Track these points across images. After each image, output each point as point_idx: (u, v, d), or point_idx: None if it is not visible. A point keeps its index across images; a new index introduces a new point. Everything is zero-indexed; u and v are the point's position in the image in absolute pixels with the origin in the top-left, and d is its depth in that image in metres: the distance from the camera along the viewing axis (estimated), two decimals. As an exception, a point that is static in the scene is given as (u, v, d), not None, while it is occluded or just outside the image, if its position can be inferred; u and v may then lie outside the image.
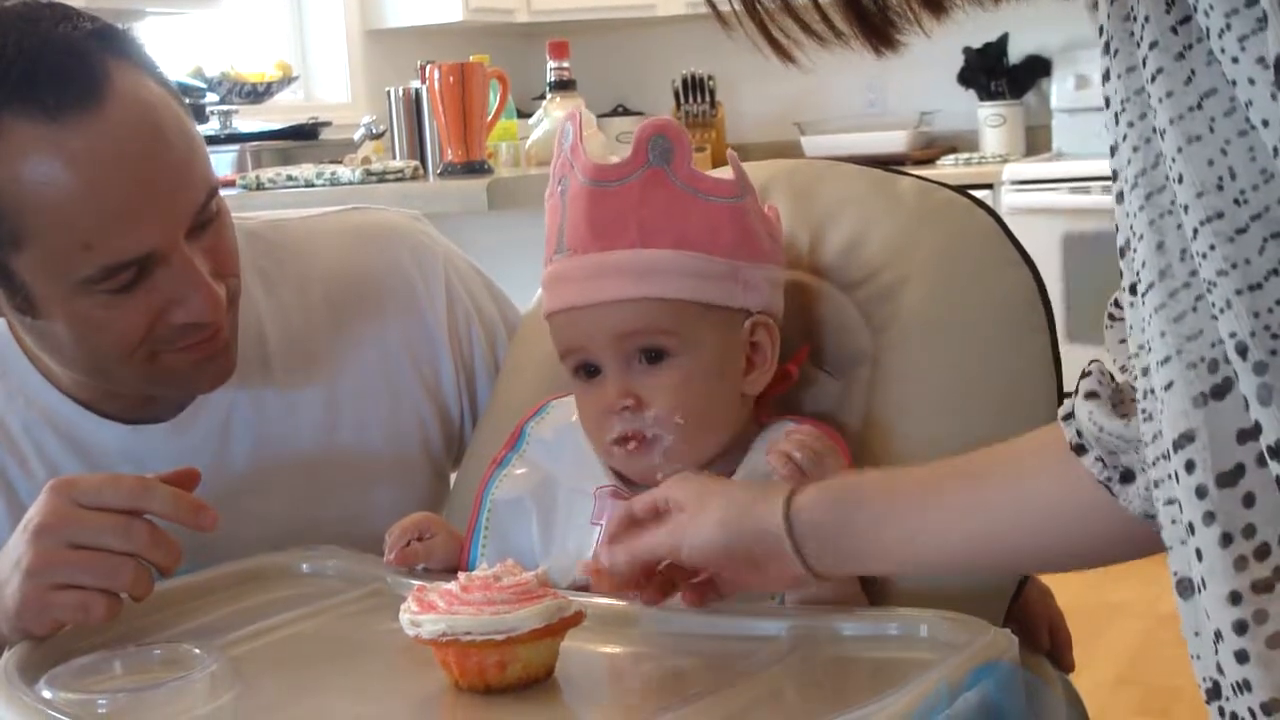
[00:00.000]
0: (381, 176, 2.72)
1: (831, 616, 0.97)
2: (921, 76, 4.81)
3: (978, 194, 1.22)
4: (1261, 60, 0.59)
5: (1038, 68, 4.81)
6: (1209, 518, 0.64)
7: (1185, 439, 0.65)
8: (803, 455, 1.00)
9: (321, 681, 0.97)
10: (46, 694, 0.91)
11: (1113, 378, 0.82)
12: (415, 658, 0.93)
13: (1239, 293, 0.62)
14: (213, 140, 3.74)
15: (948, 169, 4.56)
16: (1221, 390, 0.64)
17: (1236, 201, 0.62)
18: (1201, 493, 0.64)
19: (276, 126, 4.02)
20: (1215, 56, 0.61)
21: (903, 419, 1.13)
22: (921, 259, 1.17)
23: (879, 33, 0.68)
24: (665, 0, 5.02)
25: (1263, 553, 0.63)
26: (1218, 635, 0.64)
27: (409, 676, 0.94)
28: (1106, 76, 0.69)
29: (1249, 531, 0.64)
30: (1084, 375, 0.84)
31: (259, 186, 2.79)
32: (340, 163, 2.94)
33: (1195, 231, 0.63)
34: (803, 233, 1.21)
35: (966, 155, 4.68)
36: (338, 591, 1.12)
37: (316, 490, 1.28)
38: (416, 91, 2.92)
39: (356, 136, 3.26)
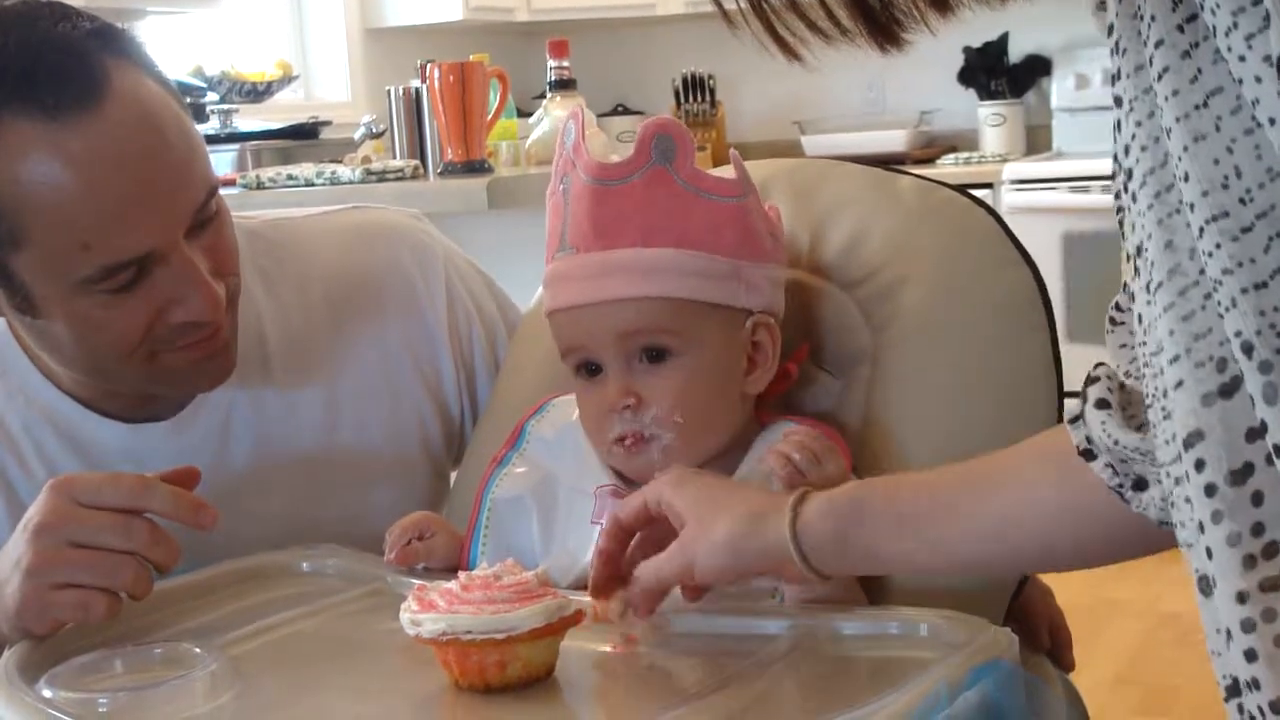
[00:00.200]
0: (381, 176, 2.72)
1: (831, 616, 0.97)
2: (922, 76, 4.81)
3: (978, 193, 1.22)
4: (1268, 59, 0.59)
5: (1038, 67, 4.81)
6: (1217, 516, 0.64)
7: (1195, 437, 0.65)
8: (801, 457, 1.00)
9: (322, 680, 0.97)
10: (47, 693, 0.91)
11: (1121, 385, 0.82)
12: (415, 657, 0.93)
13: (1244, 291, 0.62)
14: (213, 139, 3.74)
15: (948, 168, 4.56)
16: (1230, 389, 0.64)
17: (1242, 200, 0.62)
18: (1211, 491, 0.64)
19: (277, 126, 4.02)
20: (1221, 55, 0.62)
21: (903, 418, 1.13)
22: (922, 258, 1.17)
23: (885, 30, 0.68)
24: (665, -1, 5.03)
25: (1271, 551, 0.63)
26: (1229, 634, 0.65)
27: (409, 676, 0.94)
28: (1116, 76, 0.69)
29: (1257, 530, 0.64)
30: (1092, 381, 0.84)
31: (259, 186, 2.79)
32: (340, 162, 2.94)
33: (1201, 230, 0.63)
34: (803, 232, 1.21)
35: (966, 154, 4.68)
36: (338, 590, 1.12)
37: (316, 489, 1.28)
38: (417, 91, 2.92)
39: (357, 136, 3.26)
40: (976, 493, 0.91)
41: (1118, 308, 0.81)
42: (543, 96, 3.13)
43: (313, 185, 2.76)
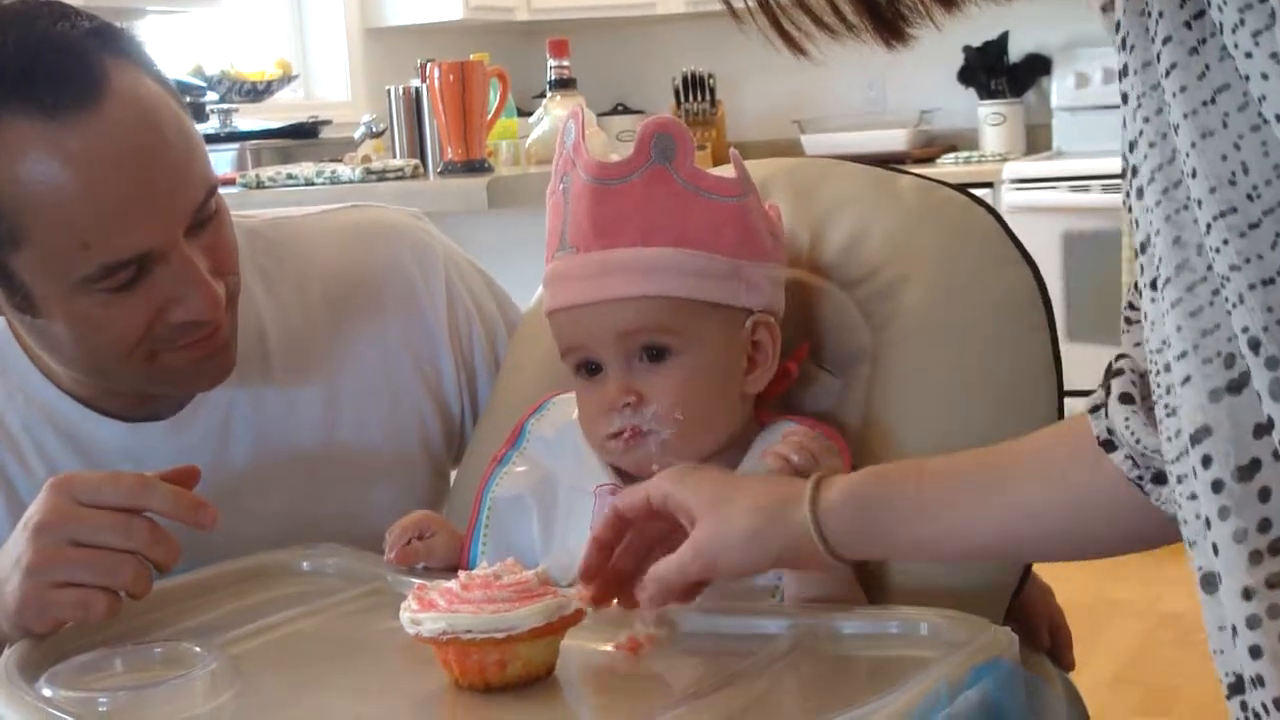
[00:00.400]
0: (381, 175, 2.72)
1: (832, 615, 0.97)
2: (922, 75, 4.82)
3: (978, 192, 1.22)
4: (1274, 55, 0.59)
5: (1038, 66, 4.81)
6: (1225, 512, 0.64)
7: (1202, 433, 0.65)
8: (800, 458, 1.00)
9: (322, 680, 0.97)
10: (47, 692, 0.91)
11: (1143, 377, 0.82)
12: (415, 656, 0.93)
13: (1252, 287, 0.62)
14: (213, 139, 3.74)
15: (948, 167, 4.56)
16: (1238, 385, 0.64)
17: (1249, 196, 0.62)
18: (1218, 487, 0.65)
19: (276, 125, 4.02)
20: (1229, 51, 0.62)
21: (903, 417, 1.13)
22: (922, 257, 1.17)
23: (890, 26, 0.68)
24: (665, -2, 5.03)
25: (1277, 547, 0.63)
26: (1234, 630, 0.65)
27: (409, 675, 0.94)
28: (1123, 72, 0.69)
29: (1264, 526, 0.64)
30: (1115, 374, 0.84)
31: (259, 185, 2.79)
32: (340, 161, 2.94)
33: (1209, 225, 0.63)
34: (803, 231, 1.21)
35: (967, 154, 4.68)
36: (338, 590, 1.12)
37: (316, 488, 1.28)
38: (416, 90, 2.92)
39: (356, 135, 3.26)
40: (998, 480, 0.91)
41: (1131, 306, 0.82)
42: (543, 96, 3.13)
43: (312, 185, 2.76)
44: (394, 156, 2.95)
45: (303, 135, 3.99)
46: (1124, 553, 0.90)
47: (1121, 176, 0.76)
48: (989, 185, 4.27)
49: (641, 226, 1.06)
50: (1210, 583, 0.66)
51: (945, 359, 1.13)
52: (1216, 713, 0.68)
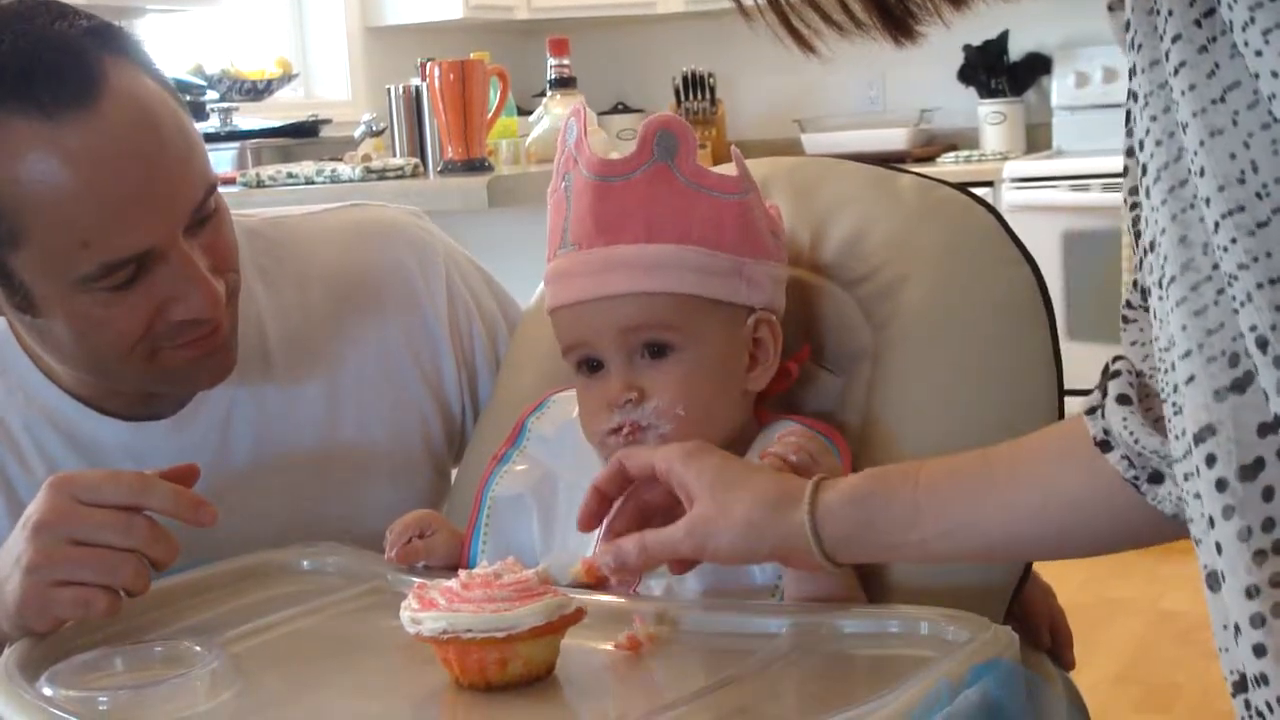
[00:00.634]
0: (382, 174, 2.72)
1: (832, 614, 0.97)
2: (922, 74, 4.82)
3: (978, 191, 1.22)
4: None
5: (1038, 65, 4.81)
6: (1228, 511, 0.64)
7: (1207, 432, 0.65)
8: (798, 459, 1.00)
9: (322, 679, 0.97)
10: (47, 691, 0.91)
11: (1140, 377, 0.82)
12: (416, 655, 0.93)
13: (1260, 286, 0.62)
14: (213, 138, 3.74)
15: (948, 166, 4.56)
16: (1242, 384, 0.64)
17: (1258, 195, 0.62)
18: (1222, 486, 0.65)
19: (277, 124, 4.02)
20: (1239, 50, 0.62)
21: (903, 416, 1.12)
22: (922, 256, 1.17)
23: (898, 23, 0.68)
24: (665, -3, 5.03)
25: None
26: (1237, 629, 0.65)
27: (409, 674, 0.94)
28: (1132, 71, 0.69)
29: (1268, 525, 0.64)
30: (1112, 375, 0.84)
31: (259, 184, 2.79)
32: (340, 160, 2.94)
33: (1217, 225, 0.63)
34: (803, 230, 1.21)
35: (967, 153, 4.68)
36: (338, 589, 1.12)
37: (317, 487, 1.28)
38: (417, 89, 2.92)
39: (357, 134, 3.26)
40: (996, 482, 0.91)
41: (1129, 305, 0.82)
42: (543, 94, 3.13)
43: (313, 183, 2.77)
44: (394, 155, 2.95)
45: (303, 134, 3.99)
46: (1120, 550, 0.91)
47: (1123, 176, 0.76)
48: (989, 184, 4.27)
49: (644, 223, 1.06)
50: (1214, 581, 0.66)
51: (946, 358, 1.13)
52: (1217, 711, 0.68)
